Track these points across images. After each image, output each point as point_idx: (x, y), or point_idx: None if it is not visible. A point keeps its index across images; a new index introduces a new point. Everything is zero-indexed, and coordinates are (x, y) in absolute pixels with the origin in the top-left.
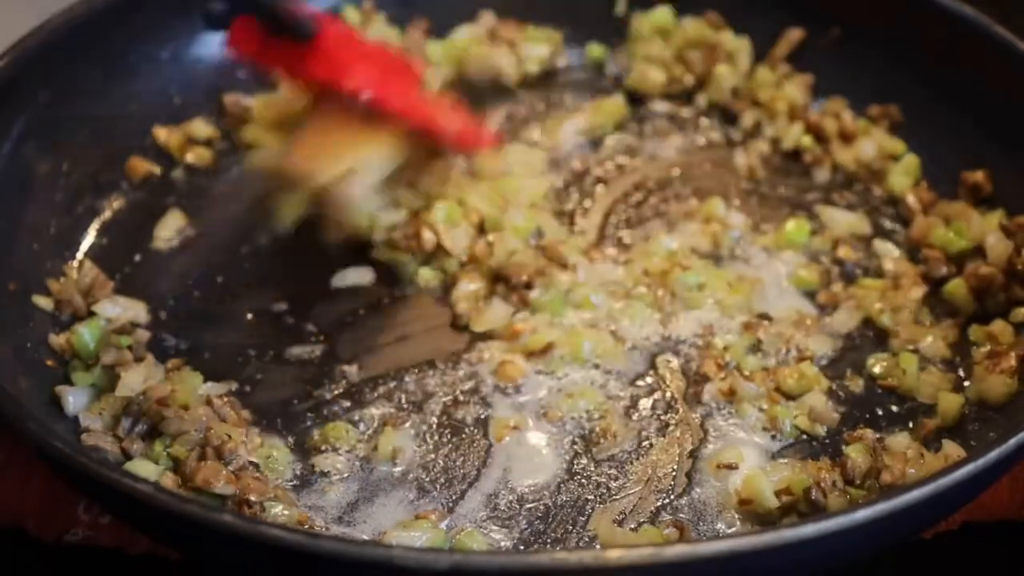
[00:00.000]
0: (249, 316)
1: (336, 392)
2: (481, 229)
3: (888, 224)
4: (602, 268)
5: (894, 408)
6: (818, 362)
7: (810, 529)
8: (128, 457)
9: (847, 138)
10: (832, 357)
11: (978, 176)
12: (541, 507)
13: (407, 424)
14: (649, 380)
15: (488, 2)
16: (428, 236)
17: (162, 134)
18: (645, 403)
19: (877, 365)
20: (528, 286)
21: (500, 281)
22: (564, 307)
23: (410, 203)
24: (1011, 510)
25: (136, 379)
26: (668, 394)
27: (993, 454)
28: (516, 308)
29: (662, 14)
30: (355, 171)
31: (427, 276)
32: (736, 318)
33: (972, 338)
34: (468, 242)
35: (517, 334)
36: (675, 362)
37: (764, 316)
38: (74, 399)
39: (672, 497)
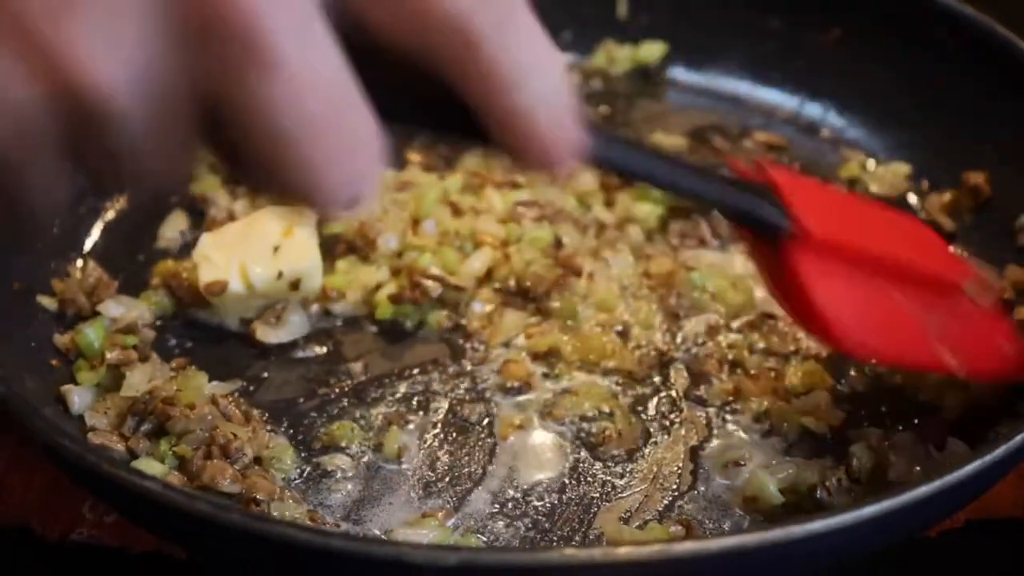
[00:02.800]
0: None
1: (341, 391)
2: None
3: None
4: (606, 269)
5: (899, 406)
6: (822, 360)
7: (818, 525)
8: (134, 456)
9: None
10: (836, 355)
11: (979, 178)
12: (547, 505)
13: (412, 423)
14: (654, 379)
15: None
16: (431, 284)
17: None
18: (650, 402)
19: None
20: (547, 295)
21: (517, 294)
22: (577, 311)
23: (387, 260)
24: (1016, 508)
25: (141, 378)
26: (673, 393)
27: (999, 451)
28: (530, 314)
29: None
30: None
31: (437, 319)
32: (741, 317)
33: None
34: (480, 266)
35: (530, 338)
36: (680, 361)
37: (768, 315)
38: (79, 398)
39: (678, 495)
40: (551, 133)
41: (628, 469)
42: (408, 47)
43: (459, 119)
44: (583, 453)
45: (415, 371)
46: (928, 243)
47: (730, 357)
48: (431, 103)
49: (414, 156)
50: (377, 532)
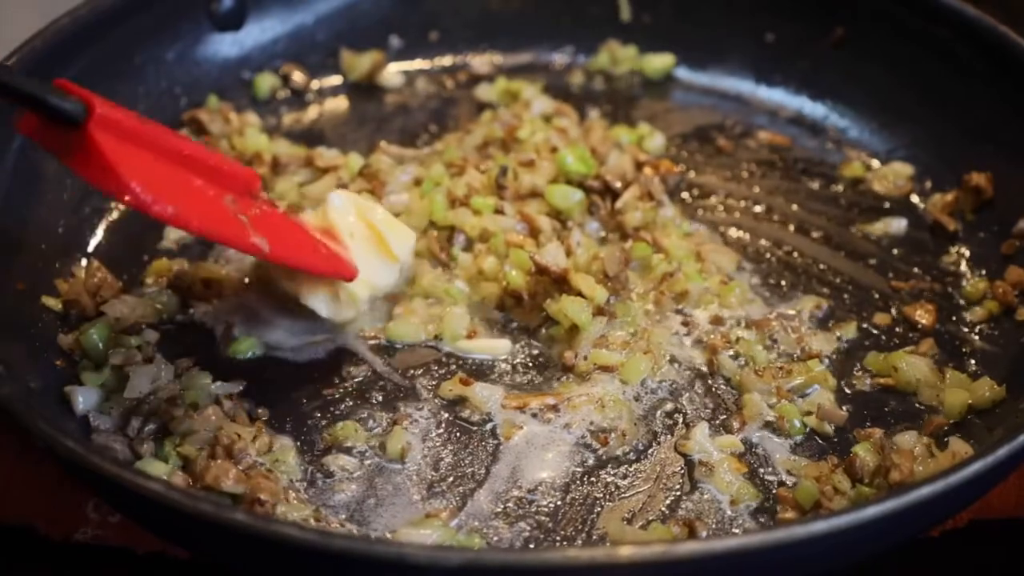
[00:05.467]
0: None
1: (345, 392)
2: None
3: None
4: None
5: (901, 407)
6: (825, 360)
7: (820, 526)
8: (138, 456)
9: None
10: (839, 355)
11: (980, 179)
12: (550, 506)
13: (416, 423)
14: (657, 379)
15: (498, 16)
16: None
17: None
18: (653, 402)
19: (874, 363)
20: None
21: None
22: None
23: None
24: (1019, 508)
25: (145, 379)
26: (676, 393)
27: (1002, 452)
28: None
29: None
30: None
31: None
32: (747, 315)
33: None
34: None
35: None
36: (683, 361)
37: (775, 314)
38: (83, 399)
39: (681, 495)
40: None
41: (631, 470)
42: None
43: None
44: (587, 454)
45: (419, 372)
46: (228, 162)
47: (736, 355)
48: None
49: (384, 146)
50: (381, 532)
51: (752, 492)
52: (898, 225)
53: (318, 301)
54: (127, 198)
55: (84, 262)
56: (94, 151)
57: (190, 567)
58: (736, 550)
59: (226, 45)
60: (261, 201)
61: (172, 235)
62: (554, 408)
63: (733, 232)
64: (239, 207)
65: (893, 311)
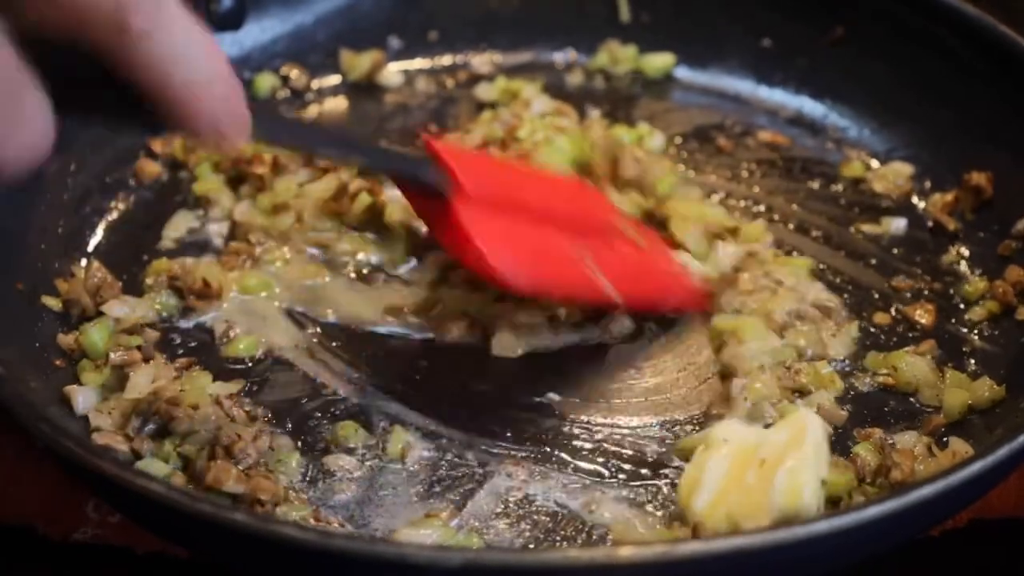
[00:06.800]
0: None
1: (345, 391)
2: None
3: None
4: None
5: (901, 406)
6: (832, 363)
7: (823, 526)
8: (138, 457)
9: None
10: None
11: (980, 179)
12: (551, 505)
13: (416, 422)
14: (660, 377)
15: (497, 16)
16: None
17: (159, 144)
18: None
19: (874, 363)
20: None
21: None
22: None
23: None
24: (1019, 508)
25: (145, 379)
26: (677, 392)
27: (1002, 451)
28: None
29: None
30: None
31: None
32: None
33: None
34: None
35: None
36: (686, 359)
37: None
38: (83, 399)
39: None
40: (212, 108)
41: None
42: (70, 38)
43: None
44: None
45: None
46: (584, 194)
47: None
48: (106, 92)
49: None
50: (381, 532)
51: None
52: (898, 225)
53: None
54: (485, 272)
55: (84, 262)
56: (455, 223)
57: (190, 567)
58: (737, 550)
59: (225, 45)
60: (610, 234)
61: (172, 234)
62: None
63: None
64: (592, 254)
65: (893, 311)
